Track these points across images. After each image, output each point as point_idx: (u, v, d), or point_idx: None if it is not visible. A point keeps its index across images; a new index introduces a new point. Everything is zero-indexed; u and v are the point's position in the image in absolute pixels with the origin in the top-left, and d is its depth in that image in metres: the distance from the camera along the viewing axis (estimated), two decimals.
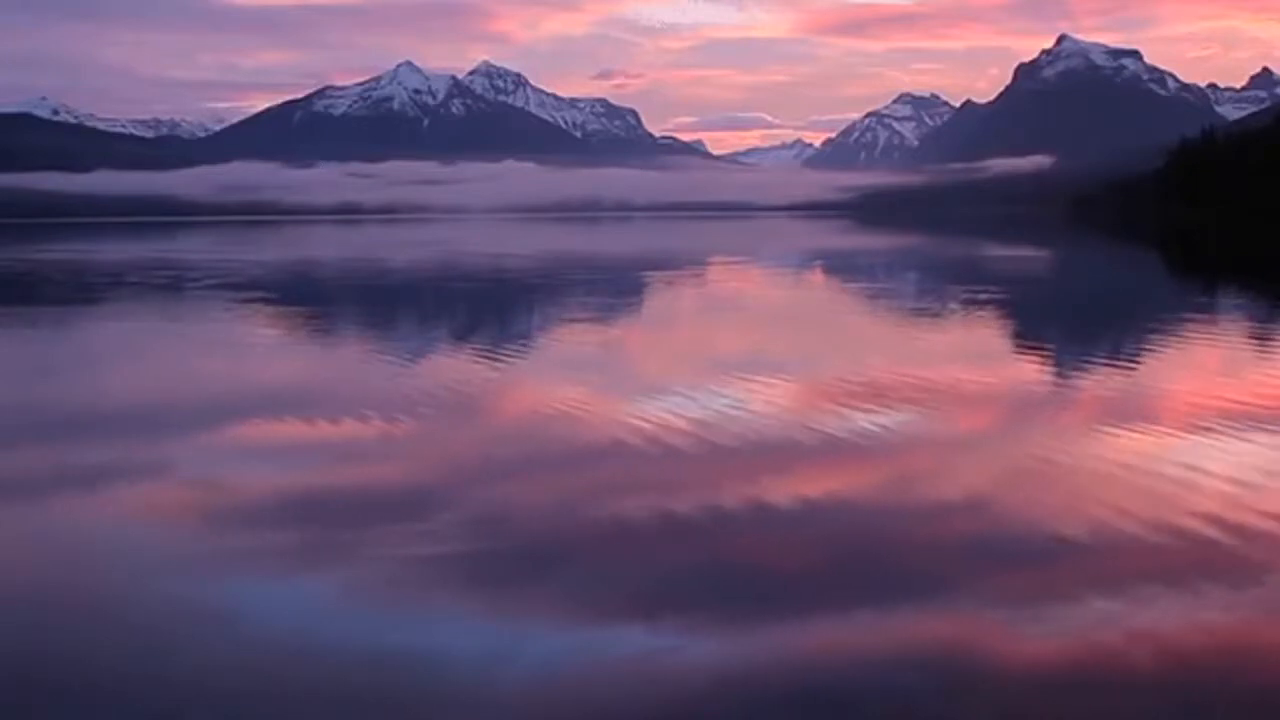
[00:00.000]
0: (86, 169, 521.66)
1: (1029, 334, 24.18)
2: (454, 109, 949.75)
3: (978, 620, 6.84)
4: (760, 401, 14.16)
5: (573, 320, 26.52)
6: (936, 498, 9.64)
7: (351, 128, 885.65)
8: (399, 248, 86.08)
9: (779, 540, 8.54)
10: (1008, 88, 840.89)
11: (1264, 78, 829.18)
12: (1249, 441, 11.57)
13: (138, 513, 9.58)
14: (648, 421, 12.78)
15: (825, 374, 16.58)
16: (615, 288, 39.08)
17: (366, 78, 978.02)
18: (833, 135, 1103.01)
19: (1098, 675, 6.09)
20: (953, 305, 29.37)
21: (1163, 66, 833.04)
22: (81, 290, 41.20)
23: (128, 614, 7.20)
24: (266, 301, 33.77)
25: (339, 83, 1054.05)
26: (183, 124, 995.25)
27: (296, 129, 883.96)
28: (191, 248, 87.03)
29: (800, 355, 19.43)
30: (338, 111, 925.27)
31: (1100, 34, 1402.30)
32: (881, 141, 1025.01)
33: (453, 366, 18.80)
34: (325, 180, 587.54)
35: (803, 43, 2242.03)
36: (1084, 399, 14.69)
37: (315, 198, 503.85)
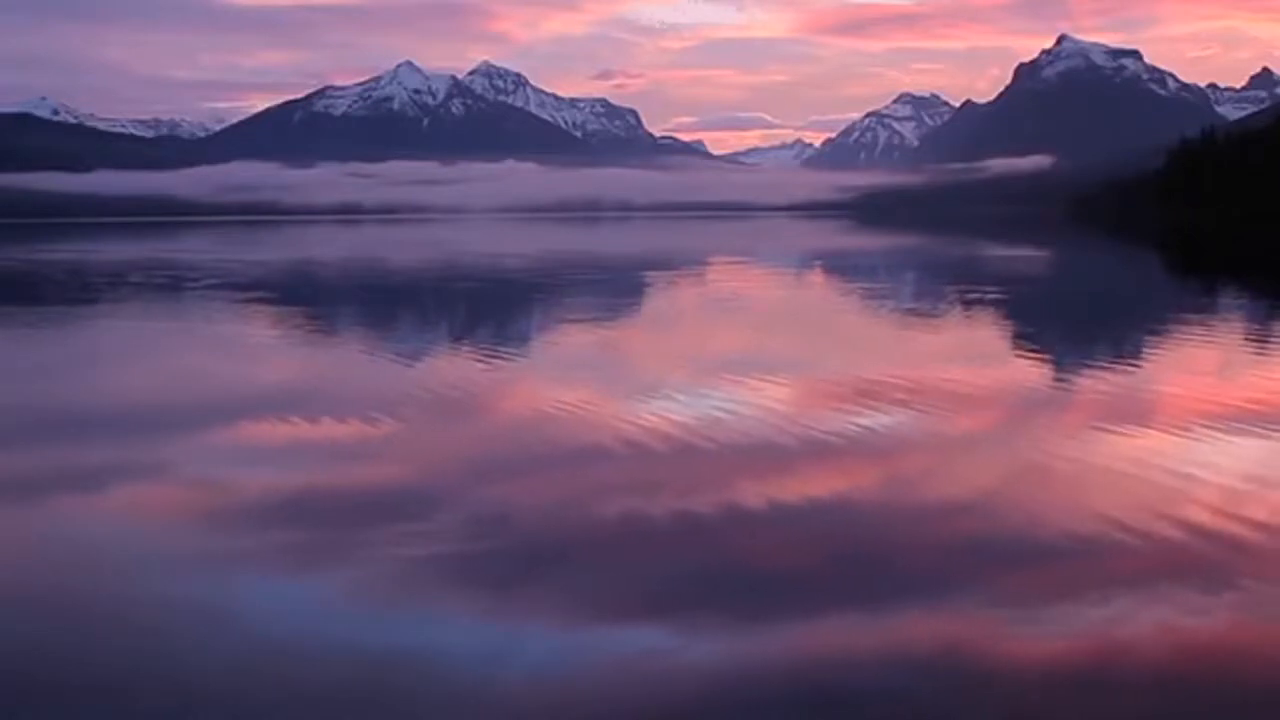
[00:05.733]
0: (87, 169, 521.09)
1: (1030, 334, 24.19)
2: (454, 109, 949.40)
3: (978, 620, 6.85)
4: (760, 402, 14.16)
5: (573, 320, 26.53)
6: (937, 498, 9.65)
7: (351, 128, 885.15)
8: (399, 248, 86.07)
9: (779, 540, 8.55)
10: (1008, 88, 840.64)
11: (1264, 78, 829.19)
12: (1249, 442, 11.58)
13: (138, 513, 9.59)
14: (648, 421, 12.78)
15: (826, 374, 16.58)
16: (616, 288, 39.09)
17: (366, 78, 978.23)
18: (833, 135, 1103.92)
19: (1098, 675, 6.09)
20: (953, 306, 29.38)
21: (1163, 66, 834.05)
22: (82, 290, 41.20)
23: (128, 614, 7.20)
24: (267, 301, 33.75)
25: (339, 83, 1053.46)
26: (183, 124, 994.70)
27: (296, 129, 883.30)
28: (192, 248, 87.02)
29: (801, 356, 19.44)
30: (338, 111, 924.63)
31: (1100, 34, 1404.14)
32: (881, 141, 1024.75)
33: (453, 367, 18.81)
34: (325, 180, 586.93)
35: (803, 43, 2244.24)
36: (1084, 399, 14.69)
37: (315, 198, 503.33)
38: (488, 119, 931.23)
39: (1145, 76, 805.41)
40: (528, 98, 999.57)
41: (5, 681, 6.26)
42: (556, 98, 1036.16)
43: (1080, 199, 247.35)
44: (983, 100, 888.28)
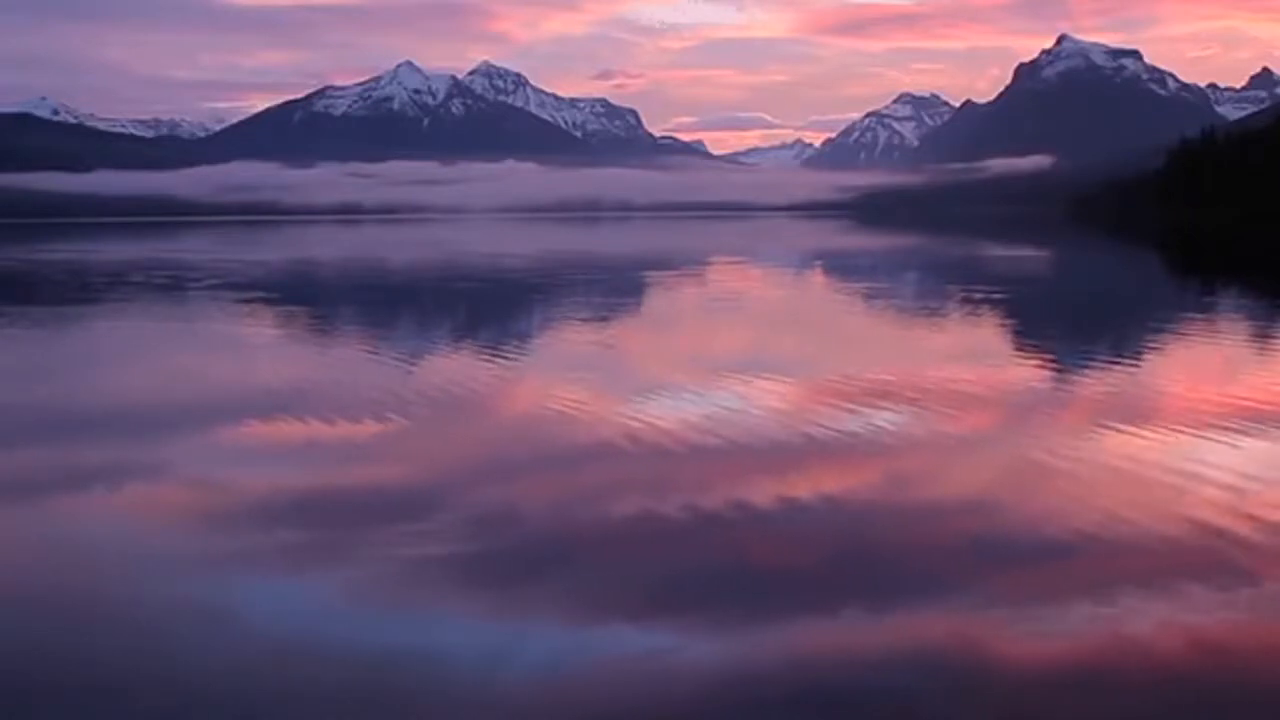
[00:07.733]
0: (87, 169, 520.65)
1: (1030, 334, 24.18)
2: (454, 109, 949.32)
3: (978, 620, 6.85)
4: (760, 402, 14.16)
5: (573, 321, 26.52)
6: (937, 498, 9.65)
7: (351, 128, 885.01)
8: (399, 248, 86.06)
9: (779, 540, 8.55)
10: (1008, 88, 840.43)
11: (1264, 78, 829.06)
12: (1249, 442, 11.58)
13: (138, 513, 9.59)
14: (648, 422, 12.78)
15: (826, 375, 16.57)
16: (616, 288, 39.07)
17: (366, 78, 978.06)
18: (833, 135, 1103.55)
19: (1098, 675, 6.09)
20: (954, 306, 29.37)
21: (1163, 66, 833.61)
22: (82, 290, 41.18)
23: (128, 614, 7.21)
24: (267, 302, 33.75)
25: (339, 83, 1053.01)
26: (183, 124, 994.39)
27: (296, 129, 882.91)
28: (192, 248, 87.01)
29: (801, 356, 19.44)
30: (338, 111, 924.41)
31: (1100, 34, 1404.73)
32: (881, 141, 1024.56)
33: (453, 367, 18.80)
34: (325, 180, 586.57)
35: (803, 43, 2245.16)
36: (1085, 399, 14.69)
37: (315, 198, 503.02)
38: (488, 119, 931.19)
39: (1145, 76, 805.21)
40: (528, 98, 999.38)
41: (5, 681, 6.26)
42: (556, 98, 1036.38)
43: (1080, 199, 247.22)
44: (983, 100, 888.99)
